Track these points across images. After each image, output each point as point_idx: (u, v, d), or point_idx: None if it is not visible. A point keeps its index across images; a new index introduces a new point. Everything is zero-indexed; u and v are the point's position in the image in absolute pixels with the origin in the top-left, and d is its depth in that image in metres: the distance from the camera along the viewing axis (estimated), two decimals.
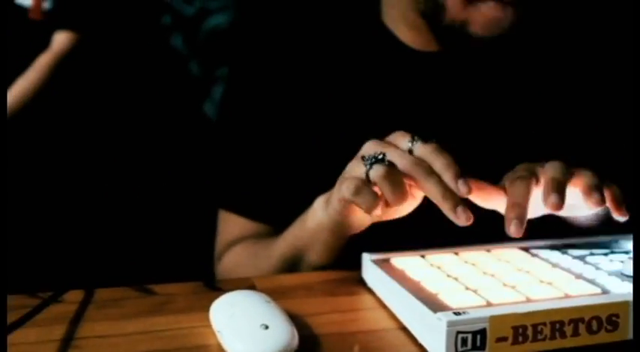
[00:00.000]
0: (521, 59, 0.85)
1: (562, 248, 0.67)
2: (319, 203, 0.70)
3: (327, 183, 0.69)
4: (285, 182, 0.86)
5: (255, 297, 0.56)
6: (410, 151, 0.61)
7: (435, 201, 0.58)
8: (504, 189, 0.61)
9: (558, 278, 0.58)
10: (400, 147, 0.62)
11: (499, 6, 0.74)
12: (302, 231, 0.73)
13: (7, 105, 1.44)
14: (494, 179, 0.63)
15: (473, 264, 0.63)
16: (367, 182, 0.61)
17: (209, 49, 2.12)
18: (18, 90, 1.47)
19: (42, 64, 1.48)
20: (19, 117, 1.47)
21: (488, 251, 0.67)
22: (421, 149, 0.61)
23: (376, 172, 0.60)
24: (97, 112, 1.69)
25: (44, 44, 1.51)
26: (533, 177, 0.60)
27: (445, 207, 0.57)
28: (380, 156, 0.60)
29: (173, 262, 1.49)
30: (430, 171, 0.59)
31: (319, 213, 0.69)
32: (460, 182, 0.57)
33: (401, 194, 0.60)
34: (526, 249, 0.67)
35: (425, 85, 0.83)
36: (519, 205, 0.57)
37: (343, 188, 0.61)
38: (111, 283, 0.69)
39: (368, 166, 0.60)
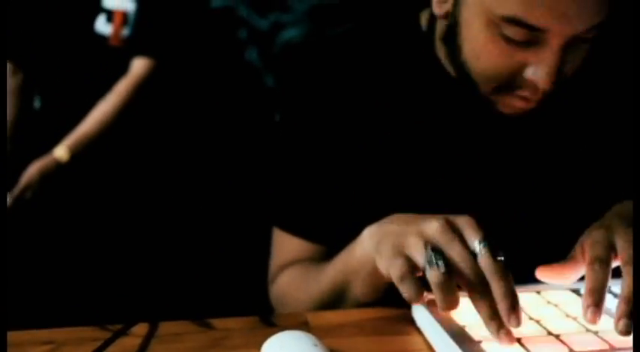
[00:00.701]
0: (577, 101, 0.84)
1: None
2: (367, 235, 0.70)
3: (380, 208, 0.70)
4: (341, 205, 0.87)
5: (303, 340, 0.59)
6: (474, 254, 0.61)
7: (480, 317, 0.59)
8: (577, 257, 0.61)
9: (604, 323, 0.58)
10: (467, 242, 0.62)
11: (524, 100, 0.75)
12: (350, 259, 0.74)
13: (89, 128, 1.51)
14: (547, 222, 0.63)
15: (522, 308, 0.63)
16: (417, 270, 0.62)
17: (283, 62, 2.16)
18: (100, 114, 1.53)
19: (121, 88, 1.54)
20: (101, 139, 1.54)
21: (538, 292, 0.67)
22: (486, 262, 0.60)
23: (433, 277, 0.59)
24: (172, 136, 1.75)
25: (123, 69, 1.57)
26: (611, 255, 0.59)
27: (490, 328, 0.57)
28: (441, 260, 0.60)
29: (233, 293, 1.54)
30: (487, 292, 0.59)
31: (366, 244, 0.70)
32: (512, 317, 0.57)
33: (451, 303, 0.59)
34: (577, 292, 0.67)
35: (473, 120, 0.84)
36: (598, 292, 0.57)
37: (392, 269, 0.62)
38: (176, 314, 0.73)
39: (427, 263, 0.60)
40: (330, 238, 0.86)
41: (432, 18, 0.86)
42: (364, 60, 0.88)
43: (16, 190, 1.50)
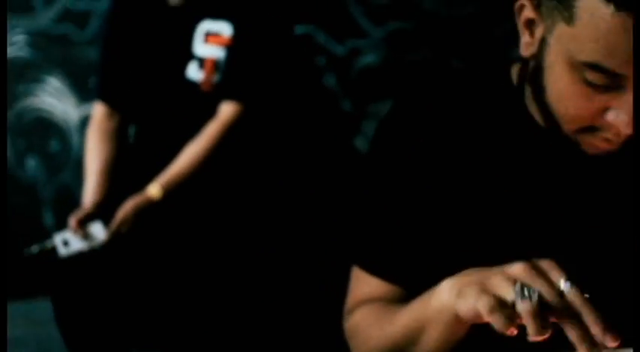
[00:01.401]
0: None
1: None
2: (446, 286, 0.72)
3: (463, 253, 0.72)
4: (422, 247, 0.90)
5: None
6: (560, 291, 0.64)
7: (574, 344, 0.63)
8: None
9: None
10: (553, 282, 0.65)
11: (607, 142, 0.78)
12: (426, 308, 0.75)
13: (181, 168, 1.57)
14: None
15: None
16: (505, 304, 0.64)
17: (360, 87, 2.20)
18: (191, 155, 1.59)
19: (211, 131, 1.60)
20: (192, 178, 1.60)
21: None
22: (575, 296, 0.65)
23: (526, 307, 0.62)
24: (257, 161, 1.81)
25: (212, 113, 1.62)
26: None
27: (582, 350, 0.63)
28: (533, 292, 0.63)
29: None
30: (578, 319, 0.62)
31: (444, 296, 0.71)
32: (608, 336, 0.62)
33: (545, 332, 0.62)
34: None
35: (559, 166, 0.86)
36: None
37: (480, 303, 0.64)
38: None
39: (518, 296, 0.63)
40: (409, 280, 0.89)
41: (522, 70, 0.88)
42: (457, 108, 0.90)
43: (113, 226, 1.59)
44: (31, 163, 2.26)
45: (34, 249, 1.54)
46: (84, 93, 2.21)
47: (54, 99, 2.23)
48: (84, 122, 2.23)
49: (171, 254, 1.57)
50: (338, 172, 2.18)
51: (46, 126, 2.24)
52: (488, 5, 2.13)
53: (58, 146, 2.25)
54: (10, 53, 2.20)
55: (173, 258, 1.57)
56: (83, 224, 1.57)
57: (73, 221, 1.58)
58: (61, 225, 2.28)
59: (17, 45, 2.20)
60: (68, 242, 1.55)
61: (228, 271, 1.60)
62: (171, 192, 1.56)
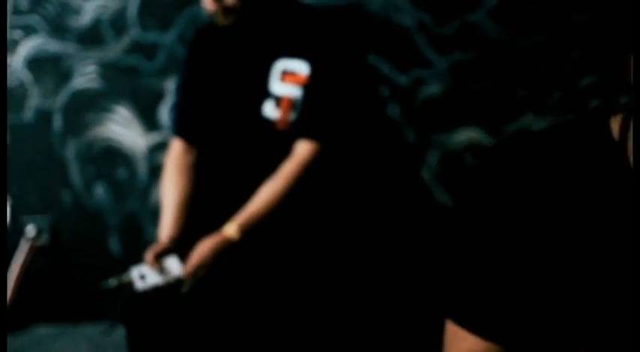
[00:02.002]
0: None
1: None
2: None
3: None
4: (524, 305, 0.87)
5: None
6: None
7: None
8: None
9: None
10: None
11: None
12: None
13: (258, 208, 1.56)
14: None
15: None
16: None
17: (424, 117, 2.18)
18: (268, 195, 1.58)
19: (288, 171, 1.59)
20: (269, 218, 1.58)
21: None
22: None
23: None
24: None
25: (287, 151, 1.62)
26: None
27: None
28: None
29: None
30: None
31: None
32: None
33: None
34: None
35: None
36: None
37: None
38: None
39: None
40: (510, 338, 0.86)
41: (625, 122, 0.85)
42: (557, 163, 0.87)
43: (191, 265, 1.58)
44: (99, 191, 2.31)
45: (112, 282, 1.56)
46: (151, 123, 2.26)
47: (122, 128, 2.28)
48: (151, 150, 2.28)
49: (246, 290, 1.57)
50: (402, 203, 2.17)
51: (114, 155, 2.29)
52: (555, 34, 2.09)
53: (125, 174, 2.30)
54: (82, 84, 2.27)
55: (247, 294, 1.57)
56: (159, 258, 1.58)
57: (149, 255, 1.59)
58: (127, 252, 2.33)
59: (88, 76, 2.26)
60: (145, 276, 1.57)
61: (303, 308, 1.59)
62: (249, 232, 1.56)
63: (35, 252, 2.33)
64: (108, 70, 2.26)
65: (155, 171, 2.29)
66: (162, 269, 1.58)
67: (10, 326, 2.26)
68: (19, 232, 2.33)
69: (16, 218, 2.34)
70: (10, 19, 2.25)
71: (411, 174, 2.21)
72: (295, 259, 1.62)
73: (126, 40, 2.24)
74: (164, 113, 2.25)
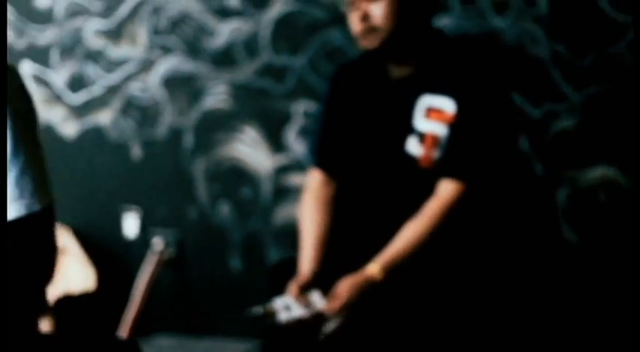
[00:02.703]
0: None
1: None
2: None
3: None
4: None
5: None
6: None
7: None
8: None
9: None
10: None
11: None
12: None
13: (401, 248, 1.54)
14: None
15: None
16: None
17: (555, 152, 2.12)
18: (412, 234, 1.56)
19: (433, 210, 1.58)
20: (412, 258, 1.56)
21: None
22: None
23: None
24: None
25: (429, 190, 1.60)
26: None
27: None
28: None
29: None
30: None
31: None
32: None
33: None
34: None
35: None
36: None
37: None
38: None
39: None
40: None
41: None
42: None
43: (336, 303, 1.54)
44: (224, 208, 2.37)
45: (257, 310, 1.59)
46: (277, 145, 2.30)
47: (249, 148, 2.33)
48: (276, 172, 2.32)
49: (387, 334, 1.56)
50: (530, 239, 2.11)
51: (240, 174, 2.34)
52: None
53: (250, 193, 2.35)
54: (213, 104, 2.33)
55: (388, 338, 1.56)
56: (303, 292, 1.59)
57: (294, 288, 1.59)
58: (247, 270, 2.38)
59: (219, 96, 2.33)
60: (290, 307, 1.58)
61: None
62: (392, 273, 1.55)
63: (162, 265, 2.42)
64: (238, 90, 2.31)
65: (279, 193, 2.33)
66: (306, 303, 1.58)
67: (134, 333, 2.37)
68: (147, 244, 2.43)
69: (144, 230, 2.44)
70: (151, 38, 2.34)
71: (538, 210, 2.15)
72: (438, 303, 1.59)
73: (257, 63, 2.29)
74: (291, 136, 2.29)
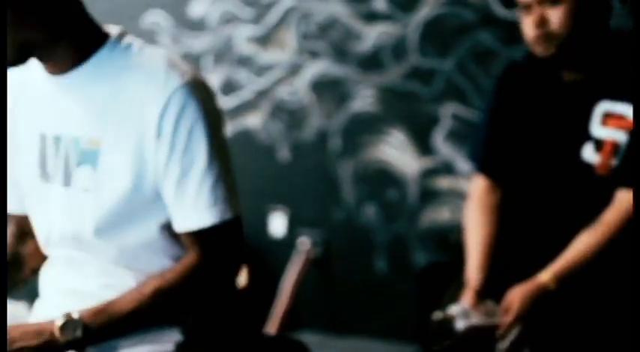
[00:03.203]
0: None
1: None
2: None
3: None
4: None
5: None
6: None
7: None
8: None
9: None
10: None
11: None
12: None
13: (576, 257, 1.47)
14: None
15: None
16: None
17: None
18: (585, 246, 1.50)
19: (609, 220, 1.50)
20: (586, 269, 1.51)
21: None
22: None
23: None
24: None
25: (606, 199, 1.55)
26: None
27: None
28: None
29: None
30: None
31: None
32: None
33: None
34: None
35: None
36: None
37: None
38: None
39: None
40: None
41: None
42: None
43: (511, 317, 1.50)
44: (370, 210, 2.40)
45: (437, 315, 1.60)
46: (424, 147, 2.30)
47: (396, 151, 2.34)
48: (422, 175, 2.32)
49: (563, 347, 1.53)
50: None
51: (386, 176, 2.36)
52: None
53: (396, 196, 2.36)
54: (360, 107, 2.36)
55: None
56: (478, 300, 1.58)
57: (470, 296, 1.58)
58: (392, 271, 2.40)
59: (366, 99, 2.35)
60: (468, 315, 1.58)
61: None
62: (566, 282, 1.51)
63: (308, 264, 2.48)
64: (385, 94, 2.33)
65: (425, 196, 2.33)
66: (484, 311, 1.57)
67: (281, 328, 2.44)
68: (294, 243, 2.49)
69: (291, 230, 2.50)
70: (299, 43, 2.40)
71: None
72: (613, 315, 1.53)
73: (405, 66, 2.30)
74: (438, 138, 2.28)
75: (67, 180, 1.09)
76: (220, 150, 1.10)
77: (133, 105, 1.04)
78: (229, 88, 2.51)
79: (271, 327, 2.39)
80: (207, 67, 2.52)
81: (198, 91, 1.06)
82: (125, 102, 1.05)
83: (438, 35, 2.26)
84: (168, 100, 1.03)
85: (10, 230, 1.27)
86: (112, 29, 1.11)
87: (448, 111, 2.26)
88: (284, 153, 2.47)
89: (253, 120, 2.49)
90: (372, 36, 2.32)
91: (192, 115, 1.05)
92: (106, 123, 1.06)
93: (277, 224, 2.50)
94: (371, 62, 2.33)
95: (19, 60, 1.04)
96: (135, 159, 1.05)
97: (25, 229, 1.25)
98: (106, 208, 1.06)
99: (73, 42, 1.06)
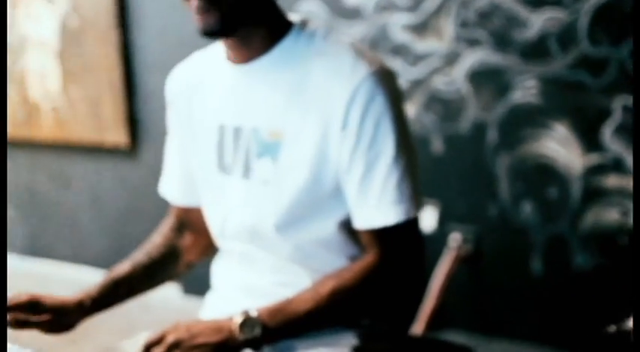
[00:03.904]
0: None
1: None
2: None
3: None
4: None
5: None
6: None
7: None
8: None
9: None
10: None
11: None
12: None
13: None
14: None
15: None
16: None
17: None
18: None
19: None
20: None
21: None
22: None
23: None
24: None
25: None
26: None
27: None
28: None
29: None
30: None
31: None
32: None
33: None
34: None
35: None
36: None
37: None
38: None
39: None
40: None
41: None
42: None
43: None
44: (527, 208, 2.28)
45: (612, 328, 1.50)
46: (591, 143, 2.14)
47: (558, 146, 2.20)
48: (587, 172, 2.17)
49: None
50: None
51: (546, 173, 2.23)
52: None
53: (556, 194, 2.22)
54: (520, 98, 2.24)
55: None
56: None
57: None
58: (549, 273, 2.27)
59: (528, 90, 2.22)
60: None
61: None
62: None
63: (458, 261, 2.39)
64: (550, 85, 2.19)
65: (590, 195, 2.17)
66: None
67: (427, 327, 2.37)
68: (444, 239, 2.41)
69: (442, 224, 2.42)
70: (457, 31, 2.30)
71: None
72: None
73: (572, 55, 2.14)
74: (607, 133, 2.12)
75: (246, 173, 1.07)
76: (407, 143, 1.05)
77: (317, 94, 1.01)
78: None
79: (419, 325, 2.33)
80: None
81: (386, 81, 1.01)
82: (310, 91, 1.01)
83: (610, 21, 2.09)
84: (356, 90, 0.99)
85: (169, 222, 1.27)
86: (293, 16, 1.08)
87: (619, 104, 2.09)
88: (437, 145, 2.39)
89: (407, 111, 2.42)
90: (538, 23, 2.18)
91: (380, 106, 1.00)
92: (290, 113, 1.03)
93: (428, 218, 2.43)
94: (535, 51, 2.20)
95: (222, 30, 1.00)
96: (317, 151, 1.01)
97: (184, 222, 1.25)
98: (285, 202, 1.03)
99: (266, 28, 1.04)
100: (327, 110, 1.00)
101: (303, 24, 1.07)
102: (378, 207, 1.02)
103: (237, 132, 1.08)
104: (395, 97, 1.03)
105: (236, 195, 1.09)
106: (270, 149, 1.04)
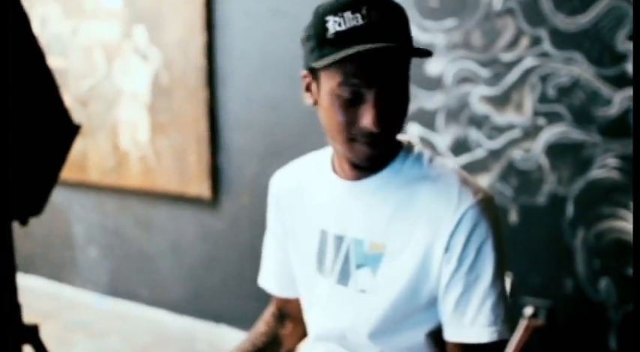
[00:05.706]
0: None
1: None
2: None
3: None
4: None
5: None
6: None
7: None
8: None
9: None
10: None
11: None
12: None
13: None
14: None
15: None
16: None
17: None
18: None
19: None
20: None
21: None
22: None
23: None
24: None
25: None
26: None
27: None
28: None
29: None
30: None
31: None
32: None
33: None
34: None
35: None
36: None
37: None
38: None
39: None
40: None
41: None
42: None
43: None
44: (603, 284, 2.27)
45: None
46: None
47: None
48: None
49: None
50: None
51: (624, 250, 2.22)
52: None
53: (633, 272, 2.21)
54: (600, 174, 2.24)
55: None
56: None
57: None
58: (625, 350, 2.24)
59: (607, 168, 2.23)
60: None
61: None
62: None
63: (531, 332, 2.39)
64: (629, 162, 2.19)
65: None
66: None
67: None
68: (518, 311, 2.42)
69: (514, 296, 2.43)
70: (535, 106, 2.34)
71: None
72: None
73: None
74: None
75: (343, 279, 1.14)
76: (504, 268, 1.10)
77: (423, 215, 1.07)
78: (461, 147, 2.50)
79: None
80: (440, 125, 2.54)
81: (489, 210, 1.07)
82: (415, 210, 1.08)
83: None
84: (461, 218, 1.05)
85: (271, 310, 1.35)
86: (401, 137, 1.15)
87: None
88: (512, 217, 2.42)
89: (482, 181, 2.46)
90: (618, 101, 2.20)
91: (483, 234, 1.05)
92: (393, 229, 1.09)
93: None
94: (615, 128, 2.21)
95: (378, 161, 1.11)
96: (418, 267, 1.07)
97: (284, 311, 1.33)
98: (381, 312, 1.09)
99: None
100: (431, 231, 1.06)
101: (409, 146, 1.14)
102: (472, 325, 1.06)
103: (338, 239, 1.15)
104: (496, 224, 1.08)
105: (329, 298, 1.15)
106: (370, 260, 1.11)
